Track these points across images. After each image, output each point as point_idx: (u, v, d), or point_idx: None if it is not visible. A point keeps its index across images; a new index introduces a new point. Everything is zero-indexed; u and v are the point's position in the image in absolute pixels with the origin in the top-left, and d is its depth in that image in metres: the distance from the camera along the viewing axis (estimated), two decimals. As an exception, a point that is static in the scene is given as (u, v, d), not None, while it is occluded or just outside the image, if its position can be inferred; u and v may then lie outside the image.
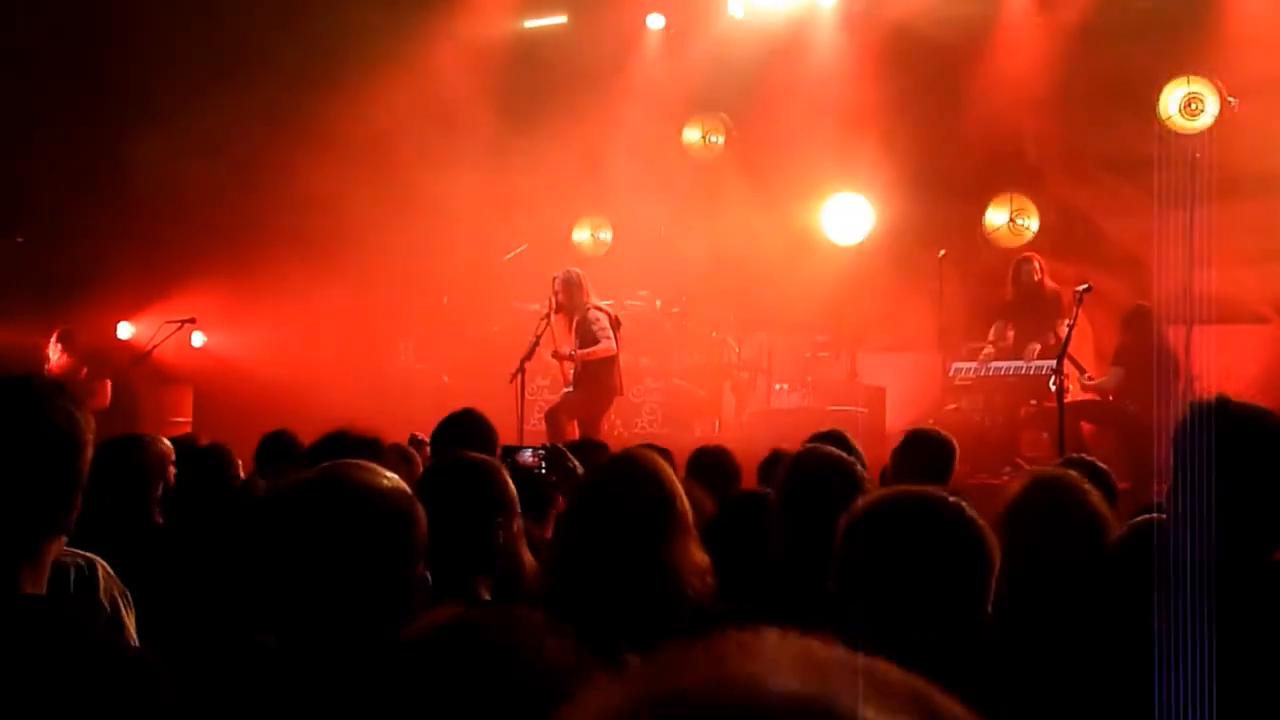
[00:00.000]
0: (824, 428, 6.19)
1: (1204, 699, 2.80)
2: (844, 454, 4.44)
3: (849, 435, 5.85)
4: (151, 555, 4.40)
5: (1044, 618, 3.40)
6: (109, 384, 13.07)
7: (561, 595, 3.45)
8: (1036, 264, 12.41)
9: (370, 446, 4.97)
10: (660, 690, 0.84)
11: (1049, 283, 12.34)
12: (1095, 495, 3.82)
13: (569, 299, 12.06)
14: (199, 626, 3.00)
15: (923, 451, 5.99)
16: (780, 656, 0.87)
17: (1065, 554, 3.56)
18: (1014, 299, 12.48)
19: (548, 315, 12.13)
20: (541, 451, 5.97)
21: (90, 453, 2.58)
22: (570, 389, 12.09)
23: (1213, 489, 3.11)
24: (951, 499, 2.77)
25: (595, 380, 11.96)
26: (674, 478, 3.70)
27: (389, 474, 2.73)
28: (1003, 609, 2.74)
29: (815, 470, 4.20)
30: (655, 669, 0.87)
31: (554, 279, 12.16)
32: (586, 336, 11.91)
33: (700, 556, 3.58)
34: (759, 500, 4.49)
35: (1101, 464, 5.49)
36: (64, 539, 2.61)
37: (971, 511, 2.76)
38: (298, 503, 2.65)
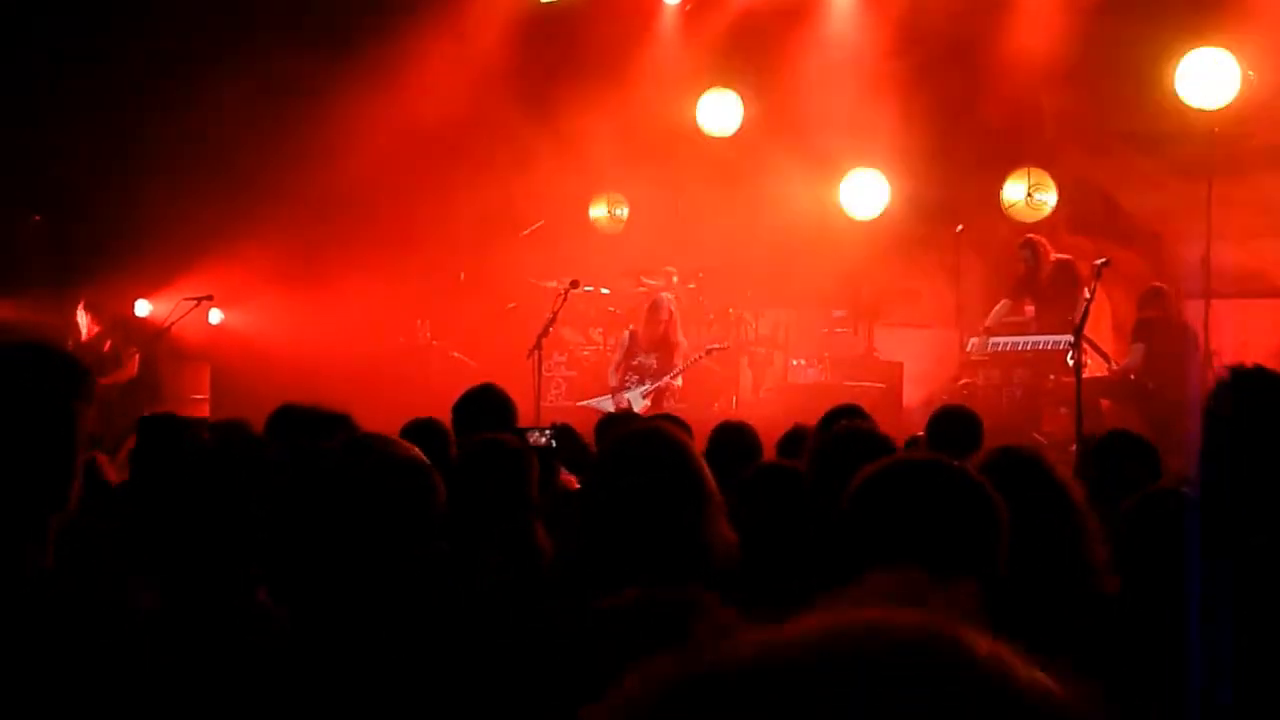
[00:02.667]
0: (841, 403, 6.21)
1: (1228, 670, 2.80)
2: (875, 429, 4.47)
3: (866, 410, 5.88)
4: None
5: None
6: (137, 355, 13.13)
7: (583, 567, 3.45)
8: (1039, 245, 12.34)
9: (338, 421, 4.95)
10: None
11: (1053, 256, 12.26)
12: (1059, 467, 3.77)
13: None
14: (216, 595, 3.02)
15: (954, 426, 6.01)
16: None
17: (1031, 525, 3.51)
18: (1025, 277, 12.44)
19: (565, 292, 12.21)
20: (549, 431, 5.98)
21: (86, 419, 2.57)
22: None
23: (1249, 458, 3.09)
24: (956, 463, 2.78)
25: None
26: (695, 451, 3.69)
27: (410, 447, 2.75)
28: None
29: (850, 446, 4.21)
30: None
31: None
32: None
33: (728, 533, 3.57)
34: (785, 473, 4.48)
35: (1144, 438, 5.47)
36: (68, 511, 2.62)
37: (977, 475, 2.77)
38: (326, 471, 2.67)
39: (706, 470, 3.58)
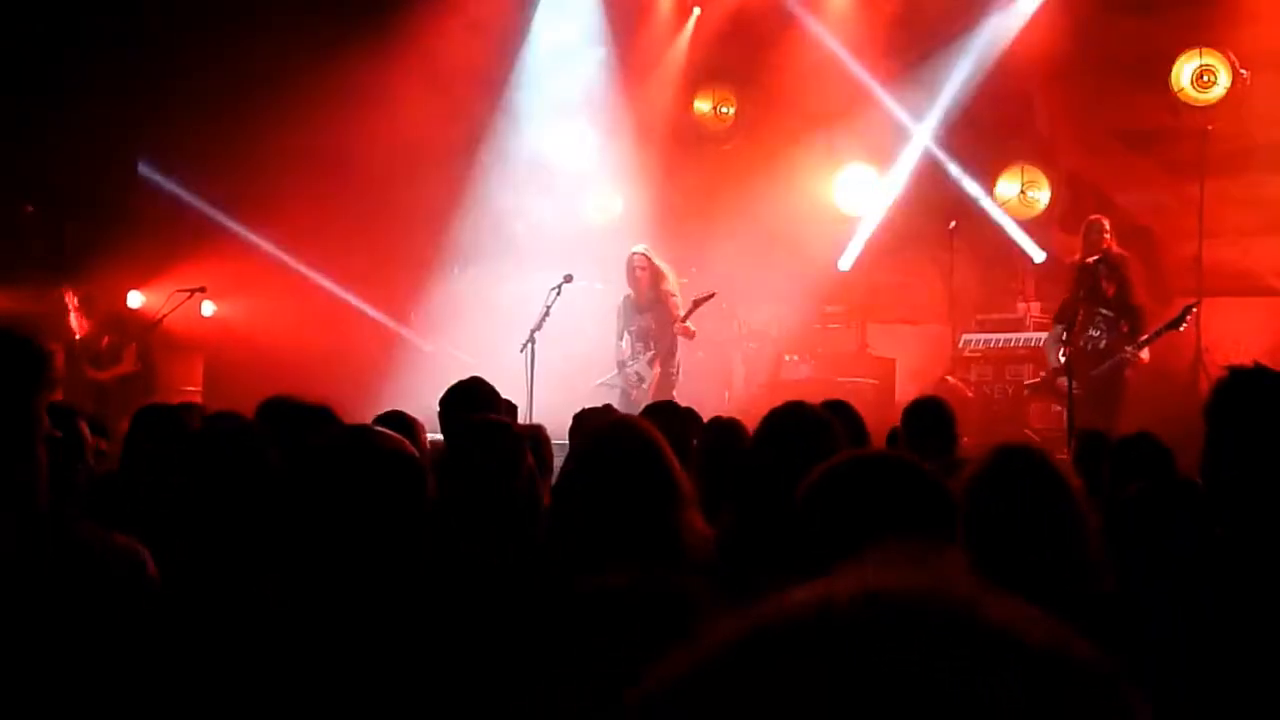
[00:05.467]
0: (830, 399, 6.20)
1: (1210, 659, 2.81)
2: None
3: (855, 406, 5.88)
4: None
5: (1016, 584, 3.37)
6: (134, 348, 13.11)
7: (560, 559, 3.47)
8: (1106, 226, 11.50)
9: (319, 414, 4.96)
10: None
11: (1116, 248, 11.46)
12: (1063, 464, 3.74)
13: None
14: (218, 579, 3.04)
15: (925, 418, 6.03)
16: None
17: (1034, 523, 3.48)
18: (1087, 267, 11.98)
19: (558, 286, 12.18)
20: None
21: (44, 397, 2.54)
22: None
23: (1250, 454, 3.09)
24: (908, 458, 2.80)
25: None
26: (664, 445, 3.67)
27: (400, 439, 2.77)
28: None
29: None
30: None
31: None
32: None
33: (701, 525, 3.58)
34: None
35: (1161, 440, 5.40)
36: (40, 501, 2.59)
37: (932, 472, 2.78)
38: (325, 461, 2.68)
39: (676, 463, 3.59)
